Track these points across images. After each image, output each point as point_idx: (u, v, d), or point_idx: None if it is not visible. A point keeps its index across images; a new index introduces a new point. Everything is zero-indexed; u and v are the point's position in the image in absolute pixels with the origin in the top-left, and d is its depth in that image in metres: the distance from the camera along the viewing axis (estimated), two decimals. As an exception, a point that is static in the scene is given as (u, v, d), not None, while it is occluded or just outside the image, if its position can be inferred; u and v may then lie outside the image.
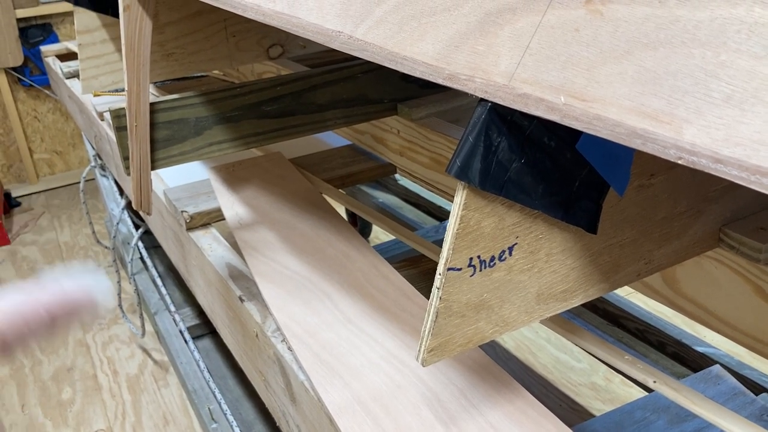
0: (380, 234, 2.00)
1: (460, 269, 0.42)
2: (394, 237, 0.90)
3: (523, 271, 0.45)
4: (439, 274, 0.42)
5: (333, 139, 1.24)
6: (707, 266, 0.61)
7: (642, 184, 0.47)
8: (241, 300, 0.78)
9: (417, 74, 0.40)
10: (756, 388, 0.99)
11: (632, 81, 0.32)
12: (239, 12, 0.56)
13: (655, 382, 0.53)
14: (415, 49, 0.40)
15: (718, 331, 0.62)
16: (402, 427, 0.55)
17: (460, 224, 0.40)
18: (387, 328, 0.69)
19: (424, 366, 0.44)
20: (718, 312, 0.62)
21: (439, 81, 0.39)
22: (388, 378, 0.61)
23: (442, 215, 1.73)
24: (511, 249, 0.43)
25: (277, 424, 0.80)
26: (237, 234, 0.88)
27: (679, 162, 0.30)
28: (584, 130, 0.33)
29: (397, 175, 1.80)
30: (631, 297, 1.36)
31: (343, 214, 1.78)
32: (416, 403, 0.57)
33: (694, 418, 0.82)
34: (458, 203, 0.40)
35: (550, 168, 0.41)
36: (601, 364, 1.41)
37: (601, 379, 1.49)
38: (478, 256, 0.42)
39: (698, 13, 0.30)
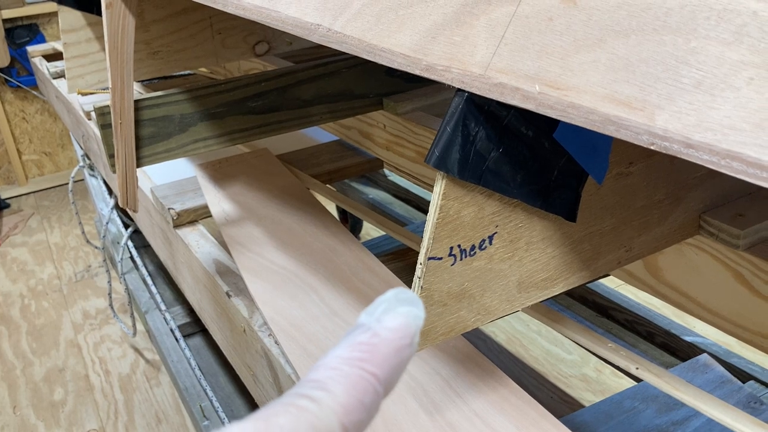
0: (371, 230, 2.00)
1: (440, 258, 0.42)
2: (383, 233, 0.90)
3: (504, 260, 0.45)
4: (420, 264, 0.42)
5: (320, 134, 1.24)
6: (688, 253, 0.61)
7: (620, 173, 0.48)
8: (229, 295, 0.79)
9: (395, 66, 0.41)
10: (743, 375, 1.00)
11: (605, 68, 0.32)
12: (219, 7, 0.56)
13: (637, 368, 0.53)
14: (393, 40, 0.41)
15: (700, 318, 0.63)
16: (387, 417, 0.55)
17: (439, 214, 0.41)
18: (374, 320, 0.69)
19: (407, 355, 0.44)
20: (700, 298, 0.62)
21: (417, 72, 0.39)
22: (375, 370, 0.61)
23: (431, 210, 1.73)
24: (491, 238, 0.43)
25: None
26: (224, 230, 0.88)
27: (652, 147, 0.31)
28: (559, 118, 0.34)
29: (386, 171, 1.81)
30: (620, 289, 1.37)
31: (334, 212, 1.79)
32: (401, 393, 0.58)
33: (682, 407, 0.83)
34: (438, 193, 0.40)
35: (528, 157, 0.42)
36: (592, 355, 1.42)
37: (592, 371, 1.50)
38: (459, 246, 0.42)
39: (669, 0, 0.31)
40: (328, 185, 1.05)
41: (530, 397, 0.56)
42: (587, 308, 1.33)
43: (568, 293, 1.34)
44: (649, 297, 0.73)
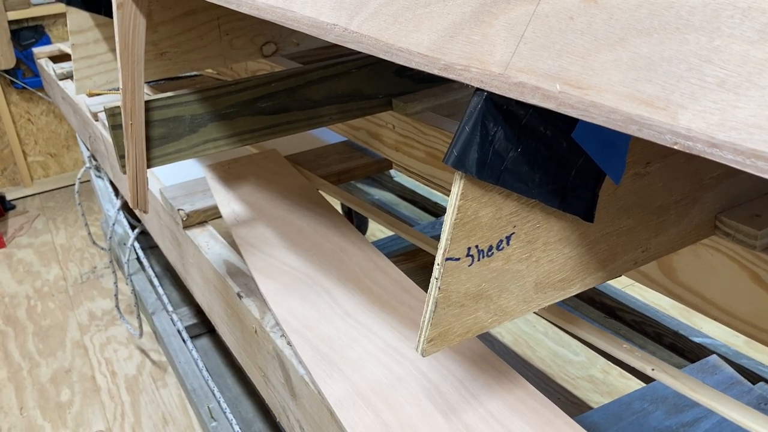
0: (377, 231, 2.00)
1: (458, 259, 0.42)
2: (390, 234, 0.91)
3: (521, 261, 0.45)
4: (438, 264, 0.42)
5: (328, 135, 1.24)
6: (704, 254, 0.61)
7: (638, 173, 0.48)
8: (240, 296, 0.78)
9: (413, 65, 0.41)
10: (753, 377, 1.00)
11: (627, 67, 0.32)
12: (233, 7, 0.56)
13: (653, 369, 0.53)
14: (411, 40, 0.41)
15: (716, 319, 0.63)
16: (402, 418, 0.55)
17: (457, 214, 0.41)
18: (386, 321, 0.69)
19: (424, 356, 0.44)
20: (716, 300, 0.62)
21: (435, 72, 0.39)
22: (388, 370, 0.61)
23: (437, 211, 1.74)
24: (508, 238, 0.43)
25: (277, 420, 0.80)
26: (234, 231, 0.88)
27: (675, 147, 0.30)
28: (580, 118, 0.33)
29: (392, 172, 1.80)
30: (628, 289, 1.36)
31: (340, 212, 1.78)
32: (416, 394, 0.58)
33: (692, 408, 0.82)
34: (456, 193, 0.40)
35: (547, 157, 0.41)
36: (599, 357, 1.41)
37: (599, 372, 1.49)
38: (476, 246, 0.42)
39: (691, -1, 0.30)
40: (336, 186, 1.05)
41: (546, 398, 0.56)
42: (595, 309, 1.33)
43: (576, 295, 1.34)
44: (657, 298, 0.73)
